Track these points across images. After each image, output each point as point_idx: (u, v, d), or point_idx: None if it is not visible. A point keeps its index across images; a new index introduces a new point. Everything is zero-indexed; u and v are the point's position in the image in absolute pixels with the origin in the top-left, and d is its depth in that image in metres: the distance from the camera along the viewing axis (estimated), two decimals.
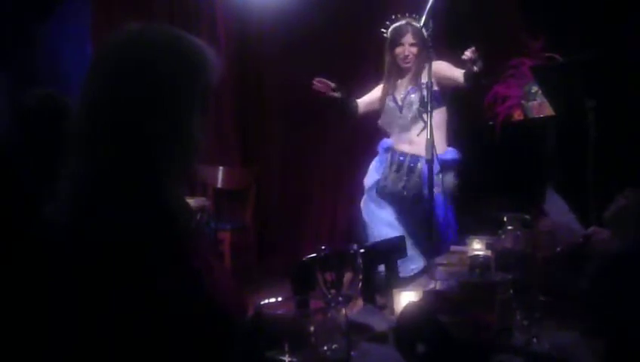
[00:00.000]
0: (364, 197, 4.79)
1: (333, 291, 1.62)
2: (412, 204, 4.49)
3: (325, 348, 1.07)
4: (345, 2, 6.09)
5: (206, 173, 6.22)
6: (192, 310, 1.37)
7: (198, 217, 1.59)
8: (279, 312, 1.10)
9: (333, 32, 6.13)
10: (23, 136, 2.58)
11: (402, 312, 1.60)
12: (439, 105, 4.44)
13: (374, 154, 4.85)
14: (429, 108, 3.88)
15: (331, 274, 1.61)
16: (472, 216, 4.33)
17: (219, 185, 6.41)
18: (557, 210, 2.49)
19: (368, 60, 5.32)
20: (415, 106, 4.53)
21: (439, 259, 2.79)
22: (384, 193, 4.63)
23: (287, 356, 1.02)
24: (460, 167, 4.59)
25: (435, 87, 4.25)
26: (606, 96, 3.33)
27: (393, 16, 4.68)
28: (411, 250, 3.91)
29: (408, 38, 4.56)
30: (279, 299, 1.12)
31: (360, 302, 2.20)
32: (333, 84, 4.67)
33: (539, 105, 4.81)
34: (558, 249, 2.24)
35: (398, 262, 2.97)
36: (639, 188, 2.19)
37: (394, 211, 4.62)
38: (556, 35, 4.81)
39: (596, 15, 4.74)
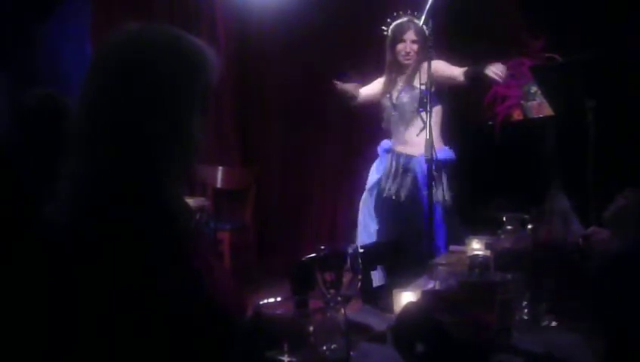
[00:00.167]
0: (364, 195, 4.79)
1: (332, 291, 1.62)
2: (404, 210, 4.49)
3: (324, 347, 1.07)
4: (345, 2, 6.09)
5: (205, 172, 6.22)
6: (192, 310, 1.37)
7: (198, 217, 1.59)
8: (278, 312, 1.10)
9: (333, 31, 6.14)
10: (23, 136, 2.58)
11: (401, 312, 1.60)
12: (435, 105, 4.44)
13: (375, 154, 4.85)
14: (428, 108, 3.89)
15: (331, 274, 1.61)
16: (471, 216, 4.33)
17: (218, 185, 6.41)
18: (558, 209, 2.49)
19: (368, 60, 5.31)
20: (407, 106, 4.55)
21: (438, 259, 2.79)
22: (380, 198, 4.63)
23: (286, 356, 1.02)
24: (454, 167, 4.59)
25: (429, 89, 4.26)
26: (606, 96, 3.33)
27: (395, 14, 4.69)
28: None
29: (410, 35, 4.58)
30: (278, 298, 1.13)
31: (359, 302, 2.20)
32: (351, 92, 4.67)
33: (538, 105, 4.82)
34: (557, 248, 2.25)
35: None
36: (639, 188, 2.19)
37: (381, 220, 4.62)
38: (557, 35, 4.82)
39: (596, 15, 4.74)
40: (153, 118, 1.44)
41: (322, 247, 1.67)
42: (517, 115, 5.02)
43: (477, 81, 4.44)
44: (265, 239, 6.69)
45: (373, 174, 4.78)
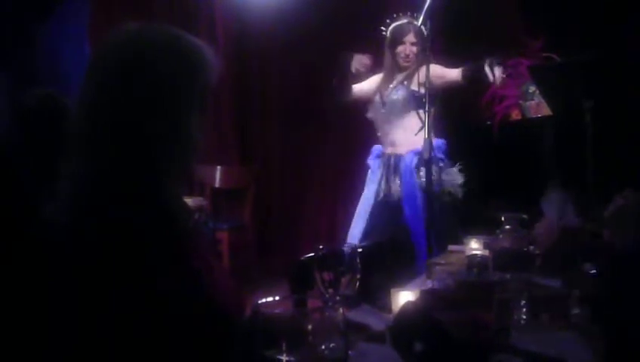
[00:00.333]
0: (362, 198, 4.79)
1: (330, 290, 1.62)
2: (397, 211, 4.49)
3: (323, 347, 1.07)
4: (343, 2, 6.09)
5: (204, 172, 6.21)
6: (192, 310, 1.38)
7: (196, 217, 1.59)
8: (277, 311, 1.10)
9: (331, 31, 6.13)
10: (23, 136, 2.58)
11: (400, 311, 1.60)
12: (429, 107, 4.45)
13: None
14: (426, 108, 3.90)
15: (329, 273, 1.62)
16: (469, 216, 4.33)
17: (217, 185, 6.39)
18: (556, 208, 2.49)
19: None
20: (397, 104, 4.55)
21: (437, 258, 2.79)
22: (376, 202, 4.63)
23: (284, 355, 1.03)
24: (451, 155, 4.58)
25: (422, 90, 4.27)
26: (604, 97, 3.34)
27: (394, 15, 4.69)
28: None
29: (410, 37, 4.57)
30: (277, 298, 1.13)
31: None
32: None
33: (536, 105, 4.82)
34: (555, 248, 2.26)
35: None
36: (638, 188, 2.20)
37: (369, 225, 4.63)
38: (556, 36, 4.82)
39: (596, 15, 4.75)
40: (153, 118, 1.44)
41: (321, 247, 1.67)
42: (515, 115, 5.03)
43: (475, 81, 4.44)
44: (263, 239, 6.68)
45: (369, 185, 4.76)
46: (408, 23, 4.60)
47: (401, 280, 2.31)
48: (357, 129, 5.52)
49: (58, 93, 2.66)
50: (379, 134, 4.76)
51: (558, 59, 4.61)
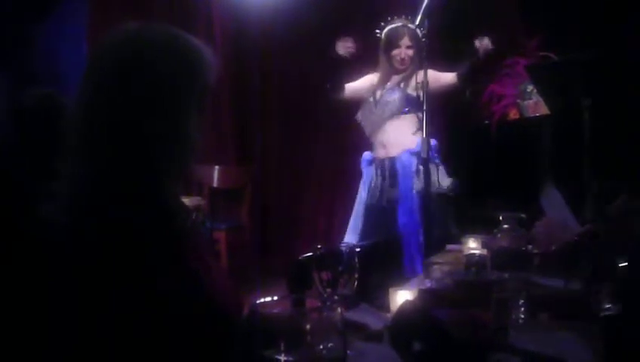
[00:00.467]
0: (356, 202, 4.79)
1: (329, 290, 1.62)
2: (389, 215, 4.50)
3: (321, 346, 1.07)
4: (342, 2, 6.09)
5: (202, 172, 6.21)
6: (191, 310, 1.38)
7: (194, 216, 1.59)
8: (275, 311, 1.10)
9: (330, 31, 6.12)
10: (21, 136, 2.58)
11: (398, 310, 1.60)
12: (420, 110, 4.45)
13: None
14: (424, 108, 3.91)
15: (327, 273, 1.62)
16: (467, 215, 4.33)
17: (215, 185, 6.39)
18: (553, 206, 2.50)
19: (366, 60, 5.31)
20: (389, 107, 4.55)
21: (435, 258, 2.79)
22: (372, 206, 4.64)
23: (283, 355, 1.03)
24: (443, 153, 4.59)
25: (419, 92, 4.27)
26: (603, 95, 3.34)
27: (389, 18, 4.69)
28: None
29: (405, 41, 4.57)
30: (275, 297, 1.13)
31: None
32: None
33: (534, 104, 4.82)
34: (554, 247, 2.26)
35: None
36: (635, 188, 2.20)
37: (364, 229, 4.63)
38: (556, 35, 4.82)
39: (596, 15, 4.75)
40: (151, 118, 1.44)
41: (319, 246, 1.67)
42: (513, 114, 5.03)
43: (472, 80, 4.45)
44: (261, 238, 6.68)
45: (361, 193, 4.77)
46: (403, 26, 4.60)
47: (392, 280, 2.31)
48: (355, 129, 5.52)
49: (56, 92, 2.66)
50: (368, 137, 4.75)
51: (555, 58, 4.61)
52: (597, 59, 3.40)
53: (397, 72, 4.64)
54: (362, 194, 4.73)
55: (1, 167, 2.38)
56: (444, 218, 4.37)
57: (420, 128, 4.47)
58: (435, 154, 4.42)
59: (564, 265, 2.10)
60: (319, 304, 1.20)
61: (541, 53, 4.82)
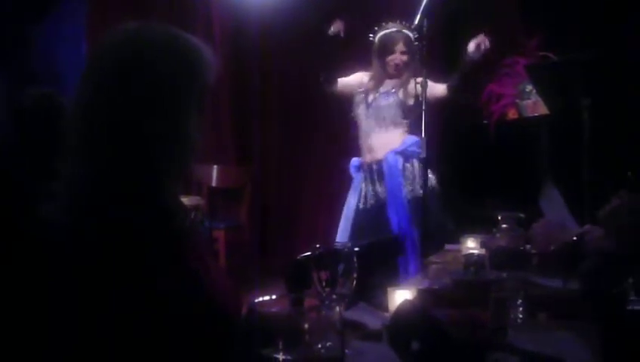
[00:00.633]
0: (345, 206, 4.80)
1: (327, 290, 1.62)
2: (379, 217, 4.50)
3: (319, 345, 1.08)
4: (341, 1, 6.09)
5: (201, 171, 6.20)
6: (190, 309, 1.38)
7: (193, 216, 1.59)
8: (274, 310, 1.11)
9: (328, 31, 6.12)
10: (20, 136, 2.58)
11: (397, 310, 1.61)
12: (411, 116, 4.46)
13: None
14: (424, 107, 3.91)
15: (326, 272, 1.62)
16: (466, 215, 4.34)
17: (214, 184, 6.38)
18: (552, 207, 2.50)
19: (365, 60, 5.31)
20: (382, 111, 4.55)
21: (434, 258, 2.79)
22: (360, 210, 4.64)
23: (281, 353, 1.03)
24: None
25: (412, 101, 4.28)
26: (602, 95, 3.34)
27: (383, 23, 4.68)
28: None
29: (400, 46, 4.56)
30: (274, 297, 1.13)
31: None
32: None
33: (533, 104, 4.83)
34: (552, 247, 2.26)
35: None
36: (634, 188, 2.20)
37: (353, 232, 4.63)
38: (556, 35, 4.82)
39: (596, 15, 4.75)
40: (151, 118, 1.43)
41: (318, 246, 1.67)
42: (512, 114, 5.03)
43: (462, 90, 4.46)
44: (260, 238, 6.67)
45: (349, 199, 4.77)
46: (397, 31, 4.58)
47: (391, 280, 2.32)
48: (354, 129, 5.52)
49: (55, 93, 2.67)
50: (360, 140, 4.75)
51: (554, 57, 4.61)
52: (596, 59, 3.41)
53: (390, 77, 4.63)
54: (351, 200, 4.73)
55: (1, 167, 2.39)
56: (439, 213, 4.37)
57: (409, 133, 4.51)
58: (419, 150, 4.42)
59: (563, 265, 2.10)
60: (318, 303, 1.20)
61: (541, 53, 4.83)
